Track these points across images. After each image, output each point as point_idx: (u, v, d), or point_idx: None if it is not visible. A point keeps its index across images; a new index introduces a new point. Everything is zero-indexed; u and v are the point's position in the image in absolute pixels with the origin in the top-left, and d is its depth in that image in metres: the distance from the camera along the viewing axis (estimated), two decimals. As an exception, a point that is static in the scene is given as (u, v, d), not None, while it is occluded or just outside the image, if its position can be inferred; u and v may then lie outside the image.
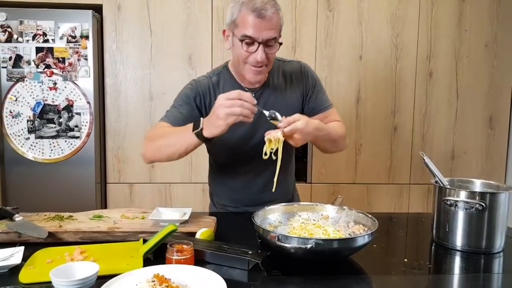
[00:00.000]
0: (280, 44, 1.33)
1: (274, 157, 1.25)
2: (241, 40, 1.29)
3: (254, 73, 1.34)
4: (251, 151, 1.45)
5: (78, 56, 2.37)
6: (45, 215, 1.35)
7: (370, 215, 1.22)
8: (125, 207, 2.60)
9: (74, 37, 2.36)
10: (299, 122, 1.20)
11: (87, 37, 2.37)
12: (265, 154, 1.26)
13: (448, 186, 1.27)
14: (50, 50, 2.36)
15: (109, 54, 2.53)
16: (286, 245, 1.00)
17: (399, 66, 2.69)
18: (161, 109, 2.57)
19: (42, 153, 2.41)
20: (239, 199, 1.56)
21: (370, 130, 2.72)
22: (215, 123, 1.19)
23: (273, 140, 1.25)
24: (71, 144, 2.42)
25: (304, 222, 1.27)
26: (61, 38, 2.36)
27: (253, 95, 1.37)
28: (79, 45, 2.37)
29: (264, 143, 1.26)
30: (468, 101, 2.74)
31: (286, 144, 1.26)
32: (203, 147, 1.40)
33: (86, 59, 2.38)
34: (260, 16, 1.26)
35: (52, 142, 2.41)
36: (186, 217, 1.31)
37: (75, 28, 2.36)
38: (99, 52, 2.50)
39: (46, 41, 2.35)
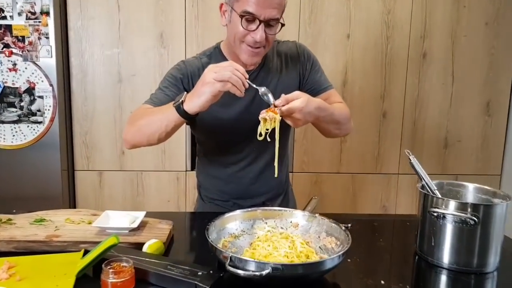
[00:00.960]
0: (282, 25, 1.22)
1: (269, 139, 1.11)
2: (241, 16, 1.18)
3: (250, 54, 1.23)
4: (243, 136, 1.34)
5: (39, 34, 2.19)
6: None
7: (344, 227, 1.06)
8: (94, 196, 2.50)
9: (34, 13, 2.17)
10: (298, 100, 1.09)
11: (47, 13, 2.18)
12: (260, 135, 1.13)
13: (436, 193, 1.11)
14: (9, 27, 2.18)
15: (74, 32, 2.34)
16: (239, 271, 0.86)
17: (390, 46, 2.47)
18: (130, 91, 2.40)
19: (4, 139, 2.26)
20: (228, 191, 1.45)
21: (357, 116, 2.51)
22: (199, 92, 1.08)
23: (268, 120, 1.10)
24: (34, 129, 2.27)
25: (271, 230, 1.15)
26: (19, 14, 2.17)
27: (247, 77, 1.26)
28: (39, 22, 2.18)
29: (258, 125, 1.13)
30: (464, 85, 2.52)
31: (283, 126, 1.14)
32: (181, 132, 1.24)
33: (47, 38, 2.20)
34: None
35: (14, 127, 2.26)
36: (135, 225, 1.17)
37: (34, 3, 2.16)
38: (62, 29, 2.31)
39: (4, 18, 2.17)
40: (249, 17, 1.17)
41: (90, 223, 1.21)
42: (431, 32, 2.46)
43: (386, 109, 2.53)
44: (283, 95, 1.11)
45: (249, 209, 1.18)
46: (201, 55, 1.37)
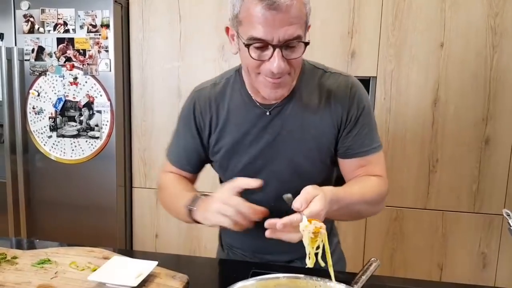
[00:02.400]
0: (306, 44, 0.92)
1: (323, 264, 0.85)
2: (248, 46, 0.91)
3: (272, 86, 0.96)
4: (267, 177, 1.05)
5: (99, 47, 2.13)
6: None
7: None
8: (150, 214, 2.38)
9: (95, 26, 2.12)
10: (315, 204, 0.83)
11: (107, 26, 2.11)
12: (308, 258, 0.86)
13: None
14: (71, 41, 2.15)
15: (135, 44, 2.25)
16: None
17: (497, 57, 1.98)
18: (189, 107, 2.24)
19: (64, 153, 2.24)
20: (248, 242, 1.19)
21: (451, 142, 2.07)
22: (205, 213, 0.96)
23: (307, 234, 0.85)
24: (92, 144, 2.21)
25: None
26: (81, 27, 2.13)
27: (268, 113, 1.05)
28: (99, 35, 2.12)
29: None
30: None
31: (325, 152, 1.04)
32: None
33: (107, 51, 2.13)
34: (272, 7, 0.85)
35: (73, 141, 2.22)
36: (137, 282, 0.95)
37: (95, 16, 2.11)
38: (124, 42, 2.23)
39: (67, 31, 2.14)
40: (258, 44, 0.89)
41: (94, 270, 1.03)
42: (555, 39, 1.93)
43: (490, 134, 2.04)
44: (301, 195, 0.84)
45: (270, 276, 0.89)
46: (218, 79, 1.13)
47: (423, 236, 2.15)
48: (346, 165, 1.08)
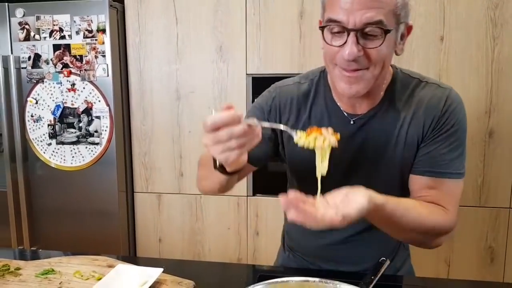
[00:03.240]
0: (387, 32, 0.82)
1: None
2: (323, 28, 0.86)
3: (346, 80, 0.88)
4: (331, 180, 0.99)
5: (96, 52, 2.11)
6: None
7: None
8: (153, 219, 2.36)
9: (91, 31, 2.10)
10: (357, 205, 0.74)
11: (104, 31, 2.09)
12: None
13: None
14: (67, 47, 2.13)
15: (133, 49, 2.23)
16: None
17: (498, 49, 1.96)
18: (189, 109, 2.22)
19: (64, 160, 2.22)
20: (310, 249, 1.13)
21: (454, 136, 2.05)
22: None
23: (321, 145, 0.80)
24: (92, 150, 2.19)
25: None
26: (77, 33, 2.11)
27: (352, 122, 0.97)
28: (96, 40, 2.10)
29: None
30: None
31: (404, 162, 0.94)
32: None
33: (104, 56, 2.11)
34: None
35: (73, 148, 2.20)
36: None
37: (91, 21, 2.09)
38: (121, 47, 2.21)
39: (63, 37, 2.12)
40: (334, 27, 0.84)
41: (99, 278, 1.02)
42: (556, 28, 1.91)
43: (493, 127, 2.01)
44: (343, 191, 0.75)
45: (279, 280, 0.85)
46: (304, 79, 1.04)
47: (429, 232, 2.12)
48: (413, 182, 0.97)
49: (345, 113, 0.98)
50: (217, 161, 0.85)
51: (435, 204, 0.93)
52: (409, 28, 0.92)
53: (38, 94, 2.19)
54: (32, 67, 2.17)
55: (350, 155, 0.98)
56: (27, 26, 2.14)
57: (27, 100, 2.20)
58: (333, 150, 0.81)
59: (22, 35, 2.15)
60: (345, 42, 0.83)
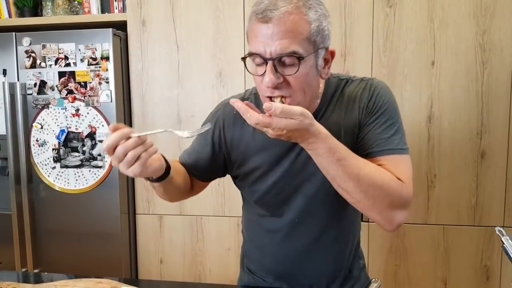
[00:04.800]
0: (300, 59, 0.87)
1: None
2: (244, 58, 0.93)
3: None
4: (282, 199, 1.07)
5: (99, 79, 2.19)
6: (8, 285, 1.17)
7: None
8: (155, 240, 2.40)
9: (95, 59, 2.18)
10: (296, 120, 0.81)
11: (107, 59, 2.17)
12: None
13: None
14: (72, 74, 2.21)
15: (135, 75, 2.31)
16: None
17: (488, 72, 2.03)
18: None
19: (68, 183, 2.28)
20: (270, 267, 1.17)
21: (447, 157, 2.11)
22: None
23: None
24: (95, 174, 2.25)
25: None
26: (82, 61, 2.19)
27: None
28: (99, 67, 2.18)
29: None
30: None
31: None
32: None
33: (107, 83, 2.19)
34: (264, 19, 0.87)
35: (77, 171, 2.26)
36: None
37: (95, 49, 2.17)
38: (123, 73, 2.29)
39: (68, 64, 2.21)
40: (256, 58, 0.91)
41: None
42: (542, 53, 1.99)
43: (485, 148, 2.07)
44: (282, 107, 0.81)
45: None
46: (248, 94, 1.12)
47: (426, 252, 2.17)
48: None
49: None
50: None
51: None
52: (332, 53, 0.97)
53: (43, 119, 2.26)
54: (38, 93, 2.24)
55: (295, 159, 1.03)
56: (33, 54, 2.22)
57: (33, 125, 2.27)
58: (283, 158, 1.00)
59: (28, 63, 2.23)
60: (265, 71, 0.89)
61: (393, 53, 2.10)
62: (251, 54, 0.91)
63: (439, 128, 2.10)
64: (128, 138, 0.84)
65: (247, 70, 0.95)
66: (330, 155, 0.87)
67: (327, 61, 0.96)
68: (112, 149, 0.84)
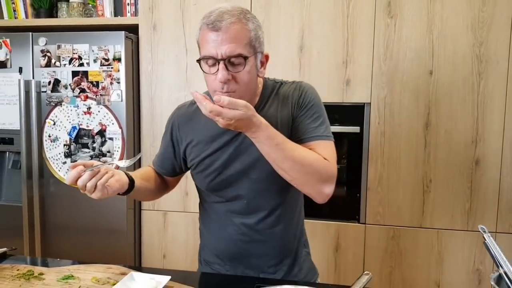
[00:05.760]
0: (245, 58, 1.07)
1: None
2: (200, 61, 1.12)
3: None
4: (230, 182, 1.24)
5: (111, 79, 2.29)
6: (18, 270, 1.28)
7: None
8: (158, 236, 2.49)
9: (107, 59, 2.28)
10: (239, 111, 1.00)
11: (119, 60, 2.27)
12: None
13: None
14: (85, 74, 2.31)
15: (145, 76, 2.41)
16: None
17: (483, 83, 2.11)
18: (195, 134, 2.38)
19: (77, 178, 2.37)
20: (224, 251, 1.31)
21: (443, 163, 2.18)
22: None
23: None
24: (103, 170, 2.34)
25: None
26: (94, 61, 2.29)
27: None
28: (111, 68, 2.28)
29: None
30: None
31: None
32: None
33: (118, 83, 2.29)
34: (214, 28, 1.07)
35: (86, 167, 2.36)
36: None
37: (108, 50, 2.27)
38: (134, 74, 2.39)
39: (81, 64, 2.31)
40: (208, 61, 1.09)
41: (114, 284, 1.16)
42: (537, 65, 2.06)
43: (480, 155, 2.15)
44: (229, 99, 0.99)
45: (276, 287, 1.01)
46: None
47: (420, 254, 2.24)
48: None
49: None
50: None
51: None
52: (266, 56, 1.18)
53: (56, 116, 2.36)
54: (52, 91, 2.35)
55: (239, 145, 1.20)
56: (48, 54, 2.33)
57: (46, 121, 2.37)
58: (228, 145, 1.19)
59: (43, 62, 2.34)
60: (217, 70, 1.07)
61: (393, 62, 2.19)
62: (204, 57, 1.09)
63: (436, 136, 2.18)
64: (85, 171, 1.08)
65: (202, 70, 1.12)
66: (270, 141, 1.07)
67: (262, 63, 1.17)
68: (75, 182, 1.08)
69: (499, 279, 0.88)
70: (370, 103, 2.22)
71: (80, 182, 1.07)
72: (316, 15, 2.22)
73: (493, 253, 0.90)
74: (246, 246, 1.27)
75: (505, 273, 0.87)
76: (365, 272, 1.13)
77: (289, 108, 1.21)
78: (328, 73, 2.23)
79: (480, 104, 2.13)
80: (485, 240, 0.94)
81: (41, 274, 1.24)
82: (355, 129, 2.24)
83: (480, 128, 2.14)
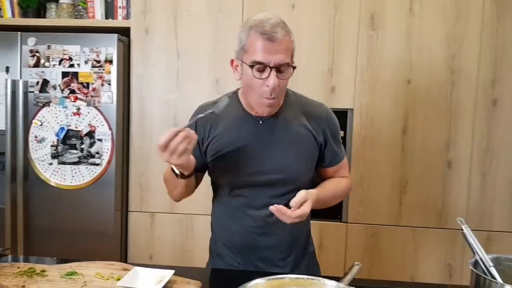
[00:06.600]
0: (294, 68, 1.23)
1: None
2: (251, 66, 1.19)
3: (267, 105, 1.25)
4: (251, 180, 1.33)
5: (102, 81, 2.30)
6: (18, 268, 1.27)
7: None
8: (146, 237, 2.51)
9: (99, 61, 2.30)
10: (305, 208, 1.18)
11: (111, 62, 2.29)
12: None
13: (492, 271, 0.99)
14: (75, 75, 2.31)
15: (136, 78, 2.44)
16: None
17: (456, 92, 2.31)
18: (185, 136, 2.43)
19: (64, 179, 2.36)
20: (237, 243, 1.39)
21: (419, 166, 2.36)
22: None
23: None
24: (92, 171, 2.35)
25: None
26: (86, 62, 2.30)
27: (261, 122, 1.33)
28: (103, 69, 2.30)
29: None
30: (542, 135, 2.29)
31: (303, 170, 1.34)
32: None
33: (109, 84, 2.31)
34: (270, 39, 1.17)
35: (74, 168, 2.35)
36: (160, 286, 1.13)
37: (100, 52, 2.29)
38: (125, 76, 2.42)
39: (72, 65, 2.31)
40: (259, 67, 1.18)
41: (118, 279, 1.19)
42: (502, 77, 2.28)
43: (452, 159, 2.34)
44: (296, 198, 1.17)
45: (278, 276, 1.09)
46: (219, 98, 1.38)
47: (397, 251, 2.40)
48: (328, 172, 1.43)
49: (255, 117, 1.32)
50: (176, 171, 1.24)
51: (340, 177, 1.44)
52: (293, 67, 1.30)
53: (44, 117, 2.34)
54: (40, 92, 2.33)
55: (262, 145, 1.31)
56: (37, 54, 2.31)
57: (32, 122, 2.34)
58: (250, 142, 1.30)
59: (32, 62, 2.32)
60: (268, 75, 1.18)
61: (374, 71, 2.34)
62: (256, 63, 1.18)
63: (412, 140, 2.35)
64: (176, 135, 1.11)
65: (253, 74, 1.19)
66: (320, 203, 1.27)
67: None
68: (164, 146, 1.12)
69: (476, 264, 1.02)
70: (353, 109, 2.36)
71: (173, 143, 1.11)
72: (305, 25, 2.34)
73: (470, 241, 1.04)
74: (260, 238, 1.34)
75: (480, 259, 1.01)
76: (355, 263, 1.24)
77: (321, 129, 1.35)
78: (314, 80, 2.36)
79: (452, 112, 2.32)
80: (463, 230, 1.07)
81: (43, 271, 1.24)
82: (340, 133, 2.38)
83: (452, 133, 2.33)
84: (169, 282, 1.17)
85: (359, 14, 2.32)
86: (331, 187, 1.38)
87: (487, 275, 0.99)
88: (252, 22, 1.20)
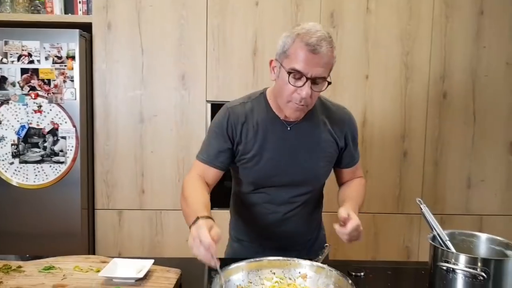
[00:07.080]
0: (329, 83, 1.25)
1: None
2: (289, 73, 1.21)
3: (295, 109, 1.27)
4: (275, 180, 1.38)
5: (64, 77, 2.25)
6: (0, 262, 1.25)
7: (351, 281, 1.05)
8: (114, 235, 2.50)
9: (60, 57, 2.24)
10: (355, 218, 1.29)
11: (73, 58, 2.25)
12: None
13: (448, 244, 1.11)
14: (35, 71, 2.25)
15: (99, 74, 2.40)
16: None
17: (410, 86, 2.47)
18: (152, 131, 2.43)
19: (27, 178, 2.30)
20: (258, 233, 1.47)
21: (377, 156, 2.51)
22: (190, 239, 1.11)
23: None
24: (56, 169, 2.30)
25: (279, 281, 1.14)
26: (46, 59, 2.24)
27: (289, 128, 1.36)
28: (65, 66, 2.25)
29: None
30: (486, 125, 2.50)
31: (322, 165, 1.39)
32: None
33: (72, 81, 2.26)
34: (313, 51, 1.18)
35: (37, 167, 2.29)
36: (141, 274, 1.17)
37: (61, 48, 2.24)
38: (87, 72, 2.37)
39: (31, 62, 2.24)
40: (296, 74, 1.20)
41: (98, 271, 1.20)
42: (451, 73, 2.47)
43: (407, 149, 2.51)
44: (350, 224, 1.27)
45: (256, 259, 1.17)
46: (247, 100, 1.40)
47: (359, 236, 2.54)
48: (345, 173, 1.50)
49: (283, 121, 1.36)
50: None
51: (357, 177, 1.52)
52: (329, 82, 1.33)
53: (2, 115, 2.26)
54: (-3, 89, 2.24)
55: (289, 149, 1.36)
56: (-7, 50, 2.22)
57: (-10, 120, 2.26)
58: (277, 150, 1.34)
59: (-13, 58, 2.22)
60: (303, 85, 1.21)
61: (335, 67, 2.38)
62: (295, 70, 1.20)
63: (371, 132, 2.49)
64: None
65: (288, 80, 1.21)
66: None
67: None
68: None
69: (434, 238, 1.14)
70: (316, 103, 2.46)
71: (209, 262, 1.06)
72: (268, 22, 2.41)
73: (428, 219, 1.15)
74: (278, 229, 1.42)
75: (438, 234, 1.13)
76: (326, 244, 1.34)
77: (343, 134, 1.41)
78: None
79: (407, 105, 2.48)
80: (422, 209, 1.18)
81: (20, 267, 1.23)
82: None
83: (407, 125, 2.49)
84: (149, 271, 1.20)
85: (320, 12, 2.41)
86: (355, 194, 1.45)
87: (443, 247, 1.10)
88: (300, 30, 1.21)
